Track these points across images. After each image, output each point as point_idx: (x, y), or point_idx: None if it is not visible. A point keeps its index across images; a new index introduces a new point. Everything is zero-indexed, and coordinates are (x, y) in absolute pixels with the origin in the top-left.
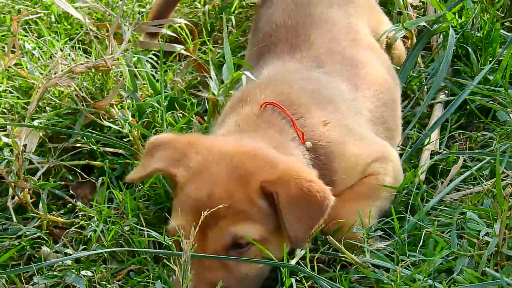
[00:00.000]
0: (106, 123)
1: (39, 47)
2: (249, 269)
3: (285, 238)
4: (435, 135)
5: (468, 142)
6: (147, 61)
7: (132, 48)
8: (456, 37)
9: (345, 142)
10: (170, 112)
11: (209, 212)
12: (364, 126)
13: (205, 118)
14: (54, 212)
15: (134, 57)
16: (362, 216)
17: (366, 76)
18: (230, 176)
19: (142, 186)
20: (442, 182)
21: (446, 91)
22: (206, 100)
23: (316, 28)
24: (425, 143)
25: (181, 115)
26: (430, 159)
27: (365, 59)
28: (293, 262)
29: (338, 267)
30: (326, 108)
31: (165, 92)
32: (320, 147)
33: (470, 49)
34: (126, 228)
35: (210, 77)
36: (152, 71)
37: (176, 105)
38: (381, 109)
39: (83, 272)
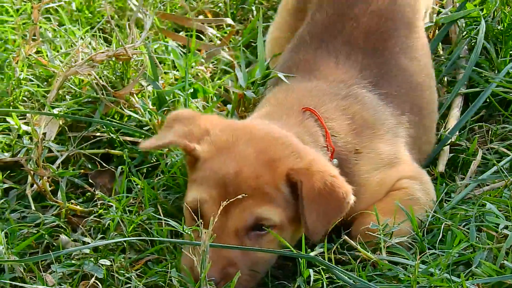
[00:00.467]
0: (126, 112)
1: (60, 36)
2: (265, 253)
3: (301, 229)
4: (452, 125)
5: (488, 135)
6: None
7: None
8: (475, 30)
9: (372, 172)
10: (193, 100)
11: (234, 188)
12: (400, 148)
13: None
14: (72, 201)
15: (156, 44)
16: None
17: (418, 100)
18: (258, 157)
19: (161, 176)
20: (461, 176)
21: (466, 83)
22: (229, 92)
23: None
24: (449, 142)
25: (204, 104)
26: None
27: (421, 82)
28: (312, 253)
29: (357, 262)
30: (363, 133)
31: (188, 80)
32: (344, 173)
33: (489, 43)
34: (145, 218)
35: (240, 68)
36: (176, 60)
37: (198, 94)
38: (421, 134)
39: (101, 261)
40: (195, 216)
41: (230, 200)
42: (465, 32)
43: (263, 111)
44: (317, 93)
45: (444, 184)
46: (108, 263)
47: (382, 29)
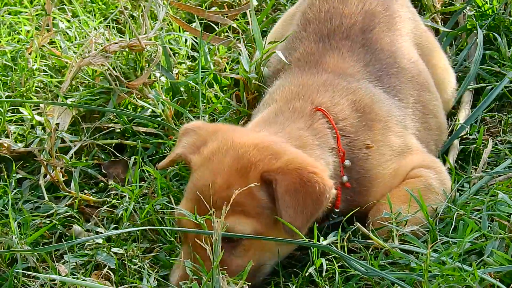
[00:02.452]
0: (139, 103)
1: (73, 26)
2: (241, 264)
3: (281, 233)
4: (463, 118)
5: (500, 125)
6: (185, 41)
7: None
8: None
9: (384, 165)
10: (209, 89)
11: (207, 201)
12: (411, 139)
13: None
14: (86, 191)
15: (169, 35)
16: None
17: (420, 97)
18: (232, 166)
19: (174, 166)
20: (473, 167)
21: (475, 77)
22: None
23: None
24: (462, 134)
25: (219, 94)
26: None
27: (422, 81)
28: (325, 243)
29: (369, 250)
30: (374, 127)
31: (204, 71)
32: (356, 171)
33: (501, 35)
34: (158, 207)
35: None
36: (190, 51)
37: (215, 84)
38: (426, 132)
39: (113, 250)
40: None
41: (203, 212)
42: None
43: (270, 113)
44: (328, 88)
45: (456, 175)
46: (120, 251)
47: (378, 28)
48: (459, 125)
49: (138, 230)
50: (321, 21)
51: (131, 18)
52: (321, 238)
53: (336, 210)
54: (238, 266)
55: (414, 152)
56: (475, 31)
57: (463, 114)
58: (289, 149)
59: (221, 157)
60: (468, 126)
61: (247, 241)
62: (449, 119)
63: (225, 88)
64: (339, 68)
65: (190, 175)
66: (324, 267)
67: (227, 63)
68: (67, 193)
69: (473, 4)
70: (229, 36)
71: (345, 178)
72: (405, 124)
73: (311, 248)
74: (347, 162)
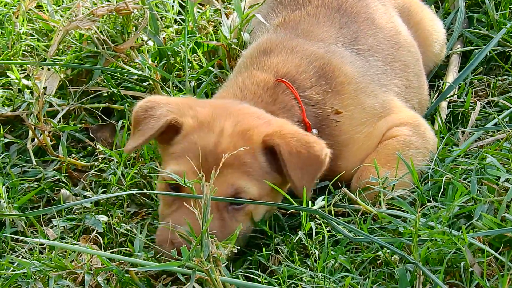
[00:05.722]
0: (126, 67)
1: None
2: (242, 227)
3: (277, 199)
4: (451, 80)
5: (488, 88)
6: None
7: None
8: None
9: (356, 129)
10: (194, 55)
11: (211, 160)
12: (388, 96)
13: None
14: (73, 155)
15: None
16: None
17: (400, 57)
18: (235, 129)
19: None
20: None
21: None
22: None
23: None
24: (450, 95)
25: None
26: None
27: (401, 41)
28: (315, 207)
29: (358, 214)
30: (343, 91)
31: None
32: (325, 139)
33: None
34: (145, 172)
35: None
36: (176, 16)
37: (197, 49)
38: (408, 90)
39: (99, 217)
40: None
41: (206, 171)
42: None
43: (235, 88)
44: (296, 55)
45: (443, 137)
46: (105, 218)
47: None
48: (447, 85)
49: (126, 194)
50: None
51: None
52: (310, 203)
53: None
54: (233, 230)
55: (391, 112)
56: None
57: (451, 77)
58: (273, 117)
59: (221, 121)
60: (456, 87)
61: (250, 207)
62: (436, 80)
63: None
64: (311, 34)
65: (181, 138)
66: (314, 231)
67: (215, 27)
68: (55, 157)
69: None
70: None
71: (315, 131)
72: (381, 82)
73: (301, 212)
74: (314, 131)
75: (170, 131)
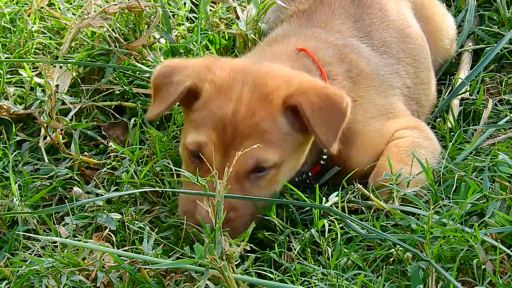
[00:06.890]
0: (138, 65)
1: None
2: (259, 194)
3: (299, 162)
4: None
5: (500, 86)
6: (184, 3)
7: None
8: None
9: (369, 121)
10: (206, 52)
11: (233, 130)
12: (395, 100)
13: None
14: (86, 153)
15: None
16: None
17: (411, 51)
18: (253, 94)
19: (174, 128)
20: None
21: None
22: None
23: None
24: (461, 92)
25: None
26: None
27: (412, 34)
28: (327, 204)
29: (371, 211)
30: (359, 83)
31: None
32: None
33: None
34: (158, 169)
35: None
36: (188, 13)
37: (212, 46)
38: (417, 87)
39: (112, 215)
40: (192, 159)
41: (225, 142)
42: None
43: (258, 51)
44: (315, 39)
45: (455, 135)
46: (119, 216)
47: None
48: (460, 81)
49: (138, 192)
50: None
51: None
52: (323, 200)
53: (324, 156)
54: (259, 195)
55: (398, 116)
56: None
57: (463, 75)
58: (294, 72)
59: (239, 86)
60: (469, 83)
61: (273, 174)
62: (447, 78)
63: (223, 48)
64: (328, 24)
65: (200, 105)
66: (326, 228)
67: (226, 25)
68: (67, 155)
69: None
70: None
71: None
72: (392, 84)
73: (313, 209)
74: None
75: (190, 95)
